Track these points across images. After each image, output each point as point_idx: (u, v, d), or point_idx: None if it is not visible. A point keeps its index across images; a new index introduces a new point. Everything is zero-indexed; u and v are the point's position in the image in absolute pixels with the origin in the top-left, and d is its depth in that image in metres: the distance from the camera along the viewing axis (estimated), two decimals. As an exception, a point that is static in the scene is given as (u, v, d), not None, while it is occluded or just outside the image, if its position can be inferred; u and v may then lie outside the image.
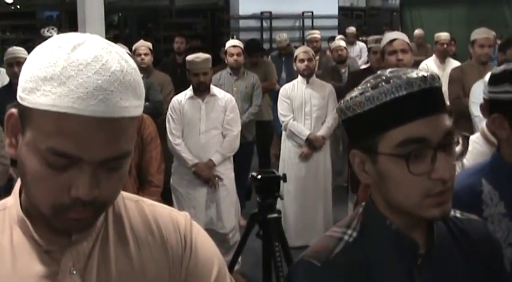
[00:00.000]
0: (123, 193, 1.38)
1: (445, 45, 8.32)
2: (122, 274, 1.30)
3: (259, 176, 3.76)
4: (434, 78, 1.41)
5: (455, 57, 8.62)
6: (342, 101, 1.48)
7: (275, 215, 3.76)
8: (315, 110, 6.29)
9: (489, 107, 2.10)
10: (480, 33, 6.03)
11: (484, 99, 2.22)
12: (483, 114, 2.37)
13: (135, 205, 1.40)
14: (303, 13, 15.81)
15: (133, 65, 1.20)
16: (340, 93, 6.19)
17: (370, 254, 1.54)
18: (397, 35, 4.69)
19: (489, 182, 2.06)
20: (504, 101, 2.00)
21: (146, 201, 1.44)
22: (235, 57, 7.07)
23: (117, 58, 1.17)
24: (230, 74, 7.16)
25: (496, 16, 12.29)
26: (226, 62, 7.22)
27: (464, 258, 1.56)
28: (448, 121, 1.43)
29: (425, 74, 1.40)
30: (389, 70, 1.47)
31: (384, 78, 1.42)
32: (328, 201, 6.47)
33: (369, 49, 6.10)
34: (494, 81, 2.07)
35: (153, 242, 1.36)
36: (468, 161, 2.75)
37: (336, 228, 1.63)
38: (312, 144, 6.25)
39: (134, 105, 1.18)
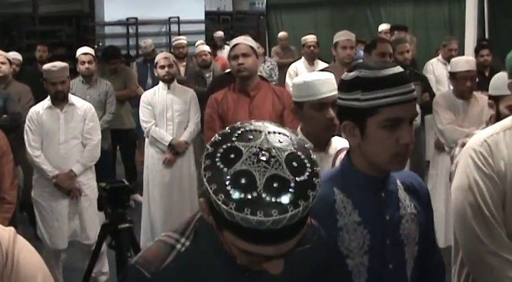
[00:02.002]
0: None
1: (312, 48, 8.49)
2: None
3: (108, 187, 3.72)
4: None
5: (321, 59, 8.79)
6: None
7: (126, 225, 3.73)
8: (177, 116, 6.28)
9: (339, 113, 2.06)
10: (342, 36, 6.14)
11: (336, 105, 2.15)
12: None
13: None
14: (169, 18, 15.78)
15: None
16: (204, 98, 6.24)
17: (201, 263, 1.57)
18: (241, 40, 4.74)
19: (341, 190, 2.05)
20: (355, 109, 1.95)
21: None
22: (86, 65, 7.02)
23: None
24: (82, 82, 7.09)
25: (359, 18, 12.67)
26: (77, 69, 7.11)
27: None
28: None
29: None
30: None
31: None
32: (194, 207, 6.47)
33: (228, 55, 6.10)
34: (344, 87, 2.00)
35: None
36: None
37: (172, 233, 1.64)
38: (175, 150, 6.24)
39: None
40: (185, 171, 6.41)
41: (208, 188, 1.39)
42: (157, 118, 6.28)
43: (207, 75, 8.43)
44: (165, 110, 6.27)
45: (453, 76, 5.45)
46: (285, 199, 1.36)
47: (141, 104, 6.35)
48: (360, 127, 1.97)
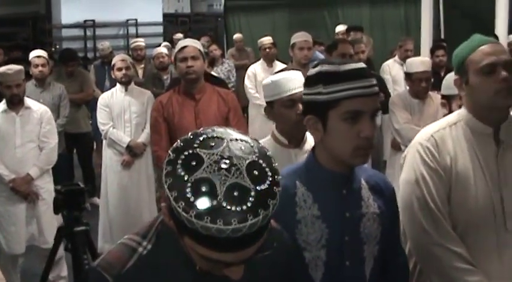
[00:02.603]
0: None
1: (268, 49, 8.50)
2: None
3: (63, 189, 3.70)
4: None
5: (279, 61, 8.79)
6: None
7: (82, 228, 3.72)
8: (135, 117, 6.27)
9: (303, 108, 2.10)
10: (299, 37, 6.17)
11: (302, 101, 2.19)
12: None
13: None
14: (127, 21, 15.72)
15: None
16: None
17: (162, 266, 1.58)
18: (189, 42, 4.76)
19: (303, 183, 2.08)
20: (317, 102, 2.00)
21: None
22: (39, 68, 6.95)
23: None
24: (35, 85, 7.02)
25: (317, 20, 12.73)
26: (30, 73, 7.04)
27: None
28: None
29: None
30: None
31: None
32: (152, 208, 6.46)
33: (175, 57, 6.06)
34: (308, 82, 2.06)
35: None
36: None
37: (134, 235, 1.65)
38: (132, 152, 6.24)
39: None
40: (143, 172, 6.40)
41: (169, 195, 1.39)
42: (115, 120, 6.26)
43: (165, 77, 8.41)
44: (122, 112, 6.25)
45: (409, 77, 5.52)
46: (245, 208, 1.36)
47: (99, 106, 6.32)
48: (322, 121, 2.01)
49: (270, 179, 1.42)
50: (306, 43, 6.09)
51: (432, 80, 5.58)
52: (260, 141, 1.46)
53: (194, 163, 1.41)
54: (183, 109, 4.66)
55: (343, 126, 1.97)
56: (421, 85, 5.39)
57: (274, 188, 1.42)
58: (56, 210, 3.74)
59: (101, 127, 6.32)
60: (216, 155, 1.41)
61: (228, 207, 1.36)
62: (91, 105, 7.99)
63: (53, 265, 5.17)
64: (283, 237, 1.81)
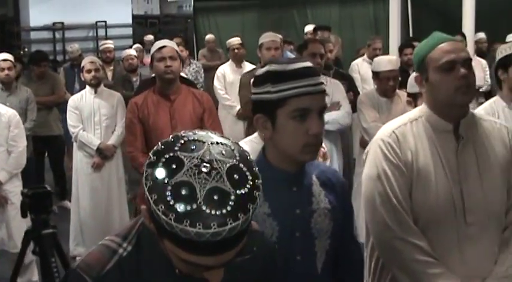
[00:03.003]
0: None
1: (237, 50, 8.49)
2: None
3: (30, 193, 3.68)
4: None
5: (248, 61, 8.78)
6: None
7: (50, 231, 3.70)
8: (104, 119, 6.26)
9: (253, 108, 2.12)
10: (267, 37, 6.15)
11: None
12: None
13: None
14: (96, 23, 15.63)
15: None
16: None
17: (142, 268, 1.58)
18: (167, 43, 4.77)
19: None
20: (266, 101, 2.03)
21: None
22: (6, 71, 6.88)
23: None
24: (2, 89, 6.96)
25: (286, 20, 12.76)
26: None
27: None
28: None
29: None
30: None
31: None
32: (124, 211, 6.46)
33: (152, 57, 6.02)
34: (256, 82, 2.09)
35: None
36: None
37: (114, 237, 1.64)
38: (103, 154, 6.23)
39: None
40: (114, 174, 6.40)
41: (149, 198, 1.39)
42: (85, 122, 6.25)
43: (134, 79, 8.40)
44: (92, 114, 6.25)
45: (376, 75, 5.53)
46: (225, 212, 1.37)
47: (69, 108, 6.31)
48: (271, 119, 2.05)
49: (251, 183, 1.42)
50: (273, 43, 6.08)
51: (400, 78, 5.61)
52: (247, 139, 1.47)
53: (174, 166, 1.40)
54: (158, 110, 4.66)
55: (291, 124, 2.01)
56: (388, 84, 5.42)
57: (255, 192, 1.43)
58: (23, 214, 3.72)
59: (71, 130, 6.30)
60: (197, 158, 1.41)
61: (208, 211, 1.36)
62: (62, 108, 7.93)
63: (23, 269, 5.16)
64: (263, 241, 1.82)
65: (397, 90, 5.53)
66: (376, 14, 11.61)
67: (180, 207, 1.35)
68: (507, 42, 6.39)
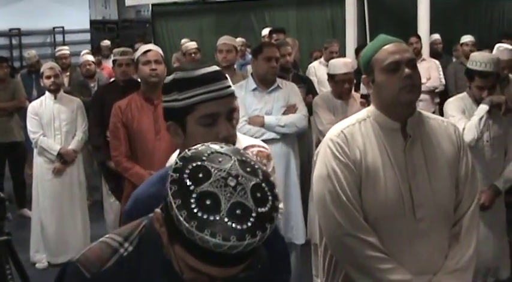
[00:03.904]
0: None
1: (193, 54, 8.51)
2: None
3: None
4: None
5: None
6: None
7: (4, 238, 3.67)
8: (65, 125, 6.30)
9: (164, 115, 2.10)
10: (220, 40, 6.24)
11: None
12: None
13: None
14: (53, 28, 15.53)
15: None
16: (89, 107, 6.25)
17: (141, 270, 1.60)
18: (152, 47, 4.85)
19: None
20: (174, 109, 2.01)
21: None
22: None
23: None
24: None
25: (244, 23, 12.78)
26: None
27: None
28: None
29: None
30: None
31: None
32: (85, 216, 6.49)
33: (114, 61, 6.05)
34: (164, 90, 2.06)
35: None
36: None
37: (116, 235, 1.66)
38: (63, 159, 6.26)
39: None
40: (75, 179, 6.43)
41: (172, 202, 1.40)
42: (45, 128, 6.27)
43: (92, 85, 8.38)
44: (52, 120, 6.27)
45: (331, 78, 5.57)
46: (245, 227, 1.39)
47: (28, 114, 6.33)
48: (181, 126, 2.03)
49: (271, 203, 1.44)
50: (225, 46, 6.13)
51: (356, 80, 5.68)
52: None
53: (201, 175, 1.42)
54: (142, 114, 4.64)
55: (201, 130, 1.99)
56: (343, 86, 5.45)
57: (273, 213, 1.45)
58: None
59: (31, 135, 6.32)
60: (224, 171, 1.43)
61: (229, 224, 1.37)
62: (22, 115, 7.90)
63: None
64: (265, 259, 1.83)
65: (353, 92, 5.61)
66: (333, 17, 11.70)
67: (204, 216, 1.37)
68: (482, 50, 6.63)
